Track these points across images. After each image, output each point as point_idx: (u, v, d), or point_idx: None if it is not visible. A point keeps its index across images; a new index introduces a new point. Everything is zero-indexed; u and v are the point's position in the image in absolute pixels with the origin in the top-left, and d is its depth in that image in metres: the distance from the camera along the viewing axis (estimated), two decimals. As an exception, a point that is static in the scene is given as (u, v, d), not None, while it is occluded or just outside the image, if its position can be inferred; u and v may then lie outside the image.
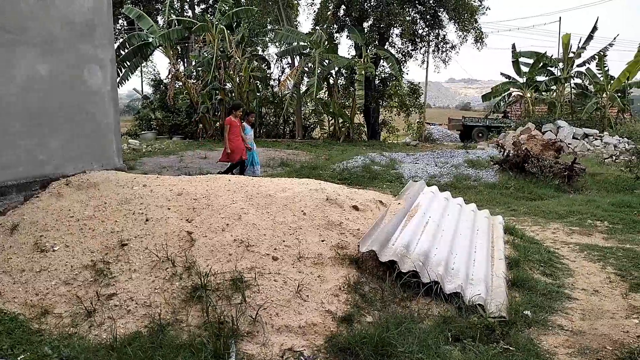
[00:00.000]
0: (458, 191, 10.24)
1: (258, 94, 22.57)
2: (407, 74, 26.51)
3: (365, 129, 25.37)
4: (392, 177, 12.56)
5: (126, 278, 3.90)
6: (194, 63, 22.68)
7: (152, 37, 20.35)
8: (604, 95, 23.46)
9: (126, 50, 20.43)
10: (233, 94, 21.56)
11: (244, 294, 3.62)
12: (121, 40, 22.82)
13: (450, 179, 12.20)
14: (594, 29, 23.81)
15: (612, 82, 23.19)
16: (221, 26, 20.48)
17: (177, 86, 21.82)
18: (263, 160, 14.30)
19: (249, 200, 4.81)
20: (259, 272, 3.86)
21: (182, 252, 4.08)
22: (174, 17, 22.64)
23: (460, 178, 12.24)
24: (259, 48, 26.27)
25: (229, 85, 21.46)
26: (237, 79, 21.25)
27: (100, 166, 6.05)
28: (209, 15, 23.87)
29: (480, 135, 26.61)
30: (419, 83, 27.66)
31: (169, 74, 21.99)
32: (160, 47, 21.13)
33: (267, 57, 26.17)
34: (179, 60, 25.61)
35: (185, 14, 28.30)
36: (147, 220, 4.49)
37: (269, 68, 25.48)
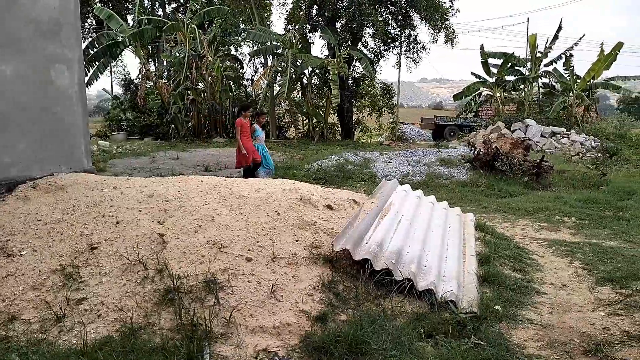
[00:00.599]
0: (430, 189, 10.38)
1: (231, 94, 22.44)
2: (380, 73, 26.77)
3: (339, 129, 25.48)
4: (366, 176, 12.66)
5: (96, 282, 3.83)
6: (165, 63, 22.40)
7: (122, 37, 20.01)
8: (571, 94, 24.08)
9: (95, 50, 20.03)
10: (205, 94, 21.39)
11: (218, 296, 3.60)
12: (90, 39, 22.38)
13: (423, 178, 12.36)
14: (559, 29, 24.41)
15: (578, 81, 23.82)
16: (192, 25, 20.27)
17: (148, 86, 21.51)
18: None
19: (222, 201, 4.78)
20: (232, 274, 3.84)
21: (153, 255, 4.02)
22: (144, 16, 22.28)
23: (432, 176, 12.41)
24: (231, 48, 26.10)
25: (201, 85, 21.27)
26: (210, 79, 21.08)
27: (69, 168, 5.92)
28: (180, 15, 23.60)
29: (452, 134, 27.01)
30: (392, 83, 27.93)
31: (139, 74, 21.66)
32: (130, 47, 20.79)
33: (239, 57, 26.03)
34: (150, 60, 25.23)
35: (155, 13, 27.90)
36: (117, 222, 4.41)
37: (242, 68, 25.37)
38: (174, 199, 4.80)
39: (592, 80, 23.70)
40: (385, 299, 4.01)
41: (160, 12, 28.32)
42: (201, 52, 20.24)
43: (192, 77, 20.16)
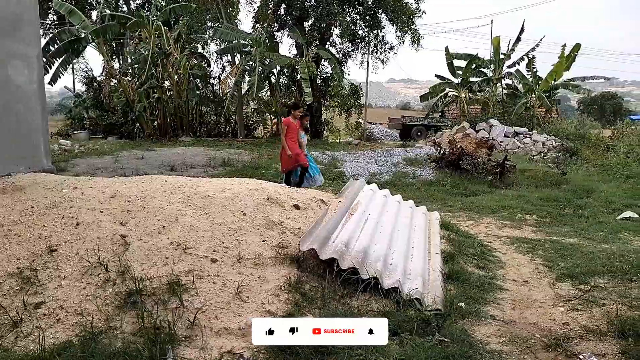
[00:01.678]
0: (397, 188, 10.49)
1: (198, 92, 22.15)
2: (348, 74, 26.87)
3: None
4: (334, 175, 12.71)
5: (55, 285, 3.71)
6: (129, 60, 21.94)
7: (84, 33, 19.48)
8: (533, 95, 24.72)
9: (56, 46, 19.43)
10: (171, 92, 21.06)
11: (182, 298, 3.54)
12: (50, 35, 21.69)
13: (390, 177, 12.51)
14: (521, 31, 25.04)
15: (540, 82, 24.47)
16: (158, 22, 19.90)
17: (112, 84, 21.02)
18: (203, 160, 14.06)
19: (187, 201, 4.70)
20: (197, 275, 3.79)
21: (115, 257, 3.92)
22: (107, 11, 21.75)
23: (399, 176, 12.57)
24: (198, 45, 25.75)
25: (167, 83, 20.93)
26: (176, 77, 20.76)
27: (27, 168, 5.72)
28: (144, 11, 23.14)
29: (419, 134, 27.35)
30: (360, 83, 28.08)
31: (103, 71, 21.14)
32: (93, 44, 20.26)
33: (207, 55, 25.70)
34: (114, 57, 24.66)
35: (120, 9, 27.26)
36: (77, 224, 4.29)
37: (209, 66, 25.04)
38: (137, 200, 4.70)
39: (553, 82, 24.40)
40: (352, 298, 4.03)
41: (125, 8, 27.68)
42: (167, 50, 19.90)
43: (157, 75, 19.80)
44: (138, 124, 20.25)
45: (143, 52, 19.96)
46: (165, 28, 20.19)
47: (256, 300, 3.69)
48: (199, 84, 22.93)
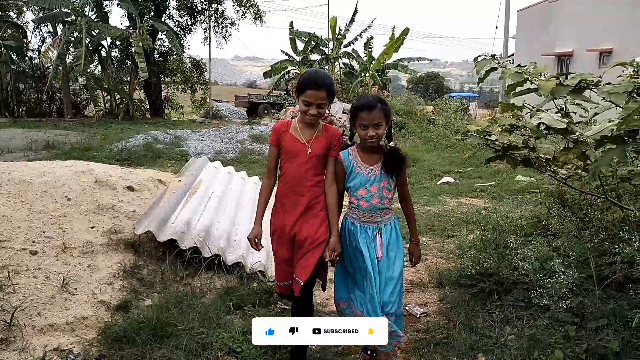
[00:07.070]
0: (243, 165, 10.47)
1: (12, 67, 19.46)
2: (188, 48, 25.87)
3: (148, 106, 24.03)
4: (177, 155, 12.24)
5: None
6: None
7: None
8: (367, 74, 26.37)
9: None
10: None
11: (-6, 298, 3.12)
12: None
13: (236, 154, 12.45)
14: (355, 12, 26.44)
15: (373, 62, 26.16)
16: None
17: None
18: (23, 143, 12.48)
19: (-3, 189, 4.12)
20: (13, 270, 3.35)
21: None
22: None
23: (245, 153, 12.57)
24: (10, 13, 22.52)
25: (-28, 57, 18.05)
26: (-16, 49, 18.00)
27: None
28: None
29: (265, 111, 27.52)
30: (202, 59, 27.22)
31: None
32: None
33: (22, 25, 22.62)
34: None
35: None
36: None
37: (26, 37, 22.11)
38: None
39: (384, 62, 26.26)
40: (194, 278, 3.94)
41: None
42: (-32, 17, 17.07)
43: (-42, 46, 16.93)
44: None
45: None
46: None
47: (86, 291, 3.40)
48: (14, 58, 20.17)
